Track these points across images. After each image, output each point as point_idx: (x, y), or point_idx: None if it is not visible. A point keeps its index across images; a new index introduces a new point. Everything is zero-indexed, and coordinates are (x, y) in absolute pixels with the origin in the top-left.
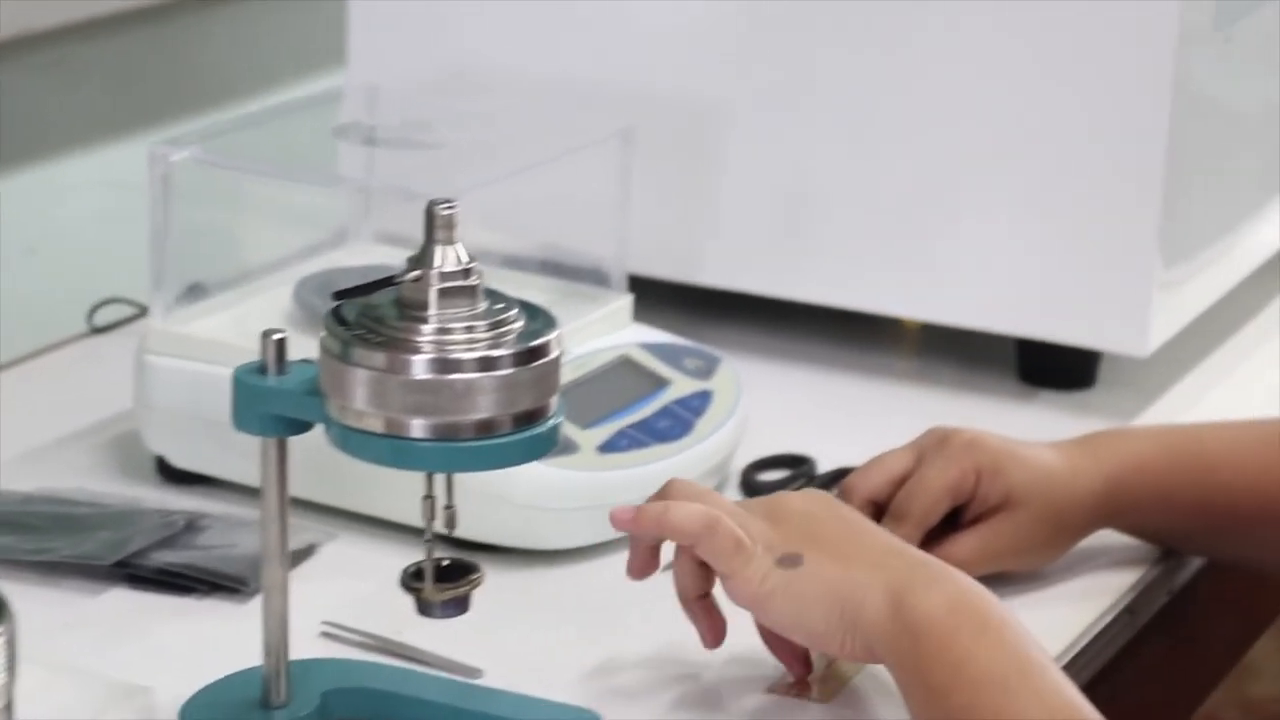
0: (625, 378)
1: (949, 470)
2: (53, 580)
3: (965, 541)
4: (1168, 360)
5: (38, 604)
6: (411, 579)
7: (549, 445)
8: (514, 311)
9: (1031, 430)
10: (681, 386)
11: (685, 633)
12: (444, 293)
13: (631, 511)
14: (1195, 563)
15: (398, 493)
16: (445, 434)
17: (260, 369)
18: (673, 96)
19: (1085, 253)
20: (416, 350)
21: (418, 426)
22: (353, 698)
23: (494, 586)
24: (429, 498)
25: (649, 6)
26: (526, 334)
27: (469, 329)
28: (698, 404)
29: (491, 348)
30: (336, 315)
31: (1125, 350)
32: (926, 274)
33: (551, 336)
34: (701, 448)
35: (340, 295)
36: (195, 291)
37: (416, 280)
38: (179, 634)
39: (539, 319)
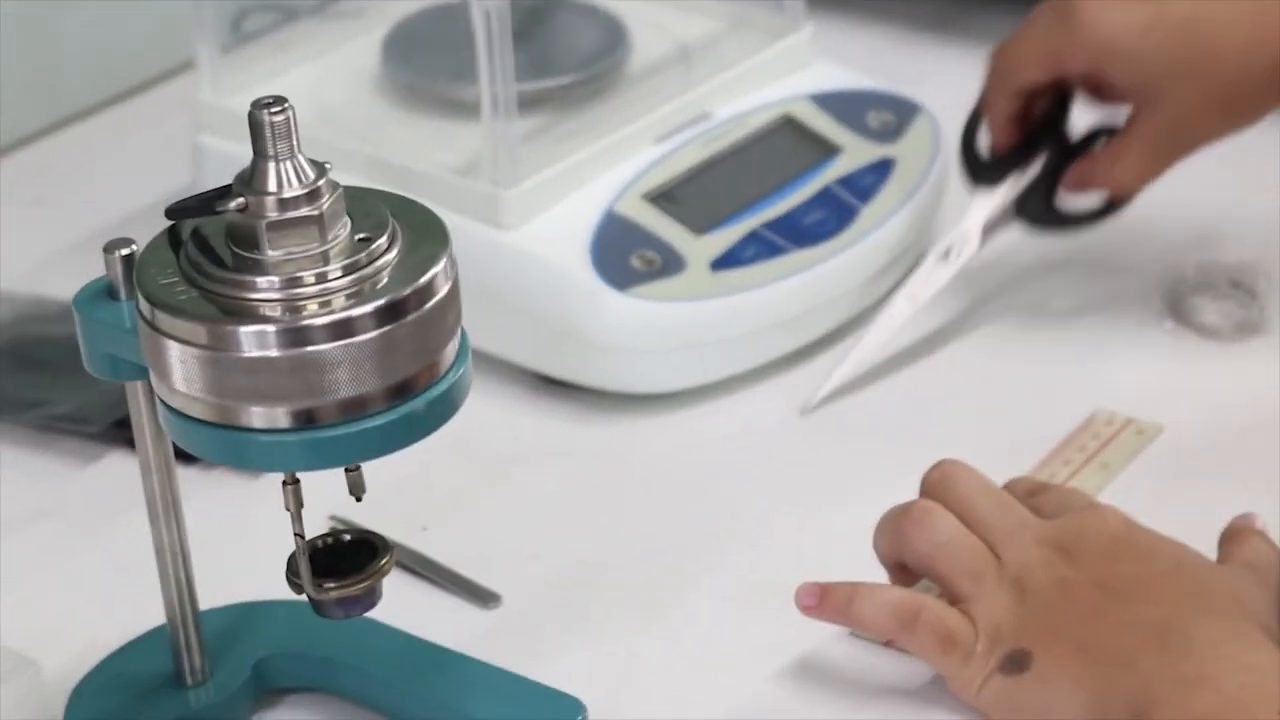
0: (779, 149)
1: (1051, 35)
2: (48, 441)
3: (1123, 158)
4: None
5: (28, 475)
6: (290, 573)
7: (444, 415)
8: (383, 240)
9: None
10: (855, 155)
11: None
12: (277, 227)
13: (816, 596)
14: None
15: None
16: (295, 423)
17: (108, 291)
18: None
19: None
20: (247, 316)
21: (257, 415)
22: (292, 666)
23: (561, 446)
24: (292, 483)
25: None
26: (403, 271)
27: (320, 277)
28: (870, 182)
29: (353, 302)
30: (171, 242)
31: None
32: None
33: (439, 267)
34: (857, 250)
35: (174, 213)
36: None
37: (243, 210)
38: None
39: (425, 240)
